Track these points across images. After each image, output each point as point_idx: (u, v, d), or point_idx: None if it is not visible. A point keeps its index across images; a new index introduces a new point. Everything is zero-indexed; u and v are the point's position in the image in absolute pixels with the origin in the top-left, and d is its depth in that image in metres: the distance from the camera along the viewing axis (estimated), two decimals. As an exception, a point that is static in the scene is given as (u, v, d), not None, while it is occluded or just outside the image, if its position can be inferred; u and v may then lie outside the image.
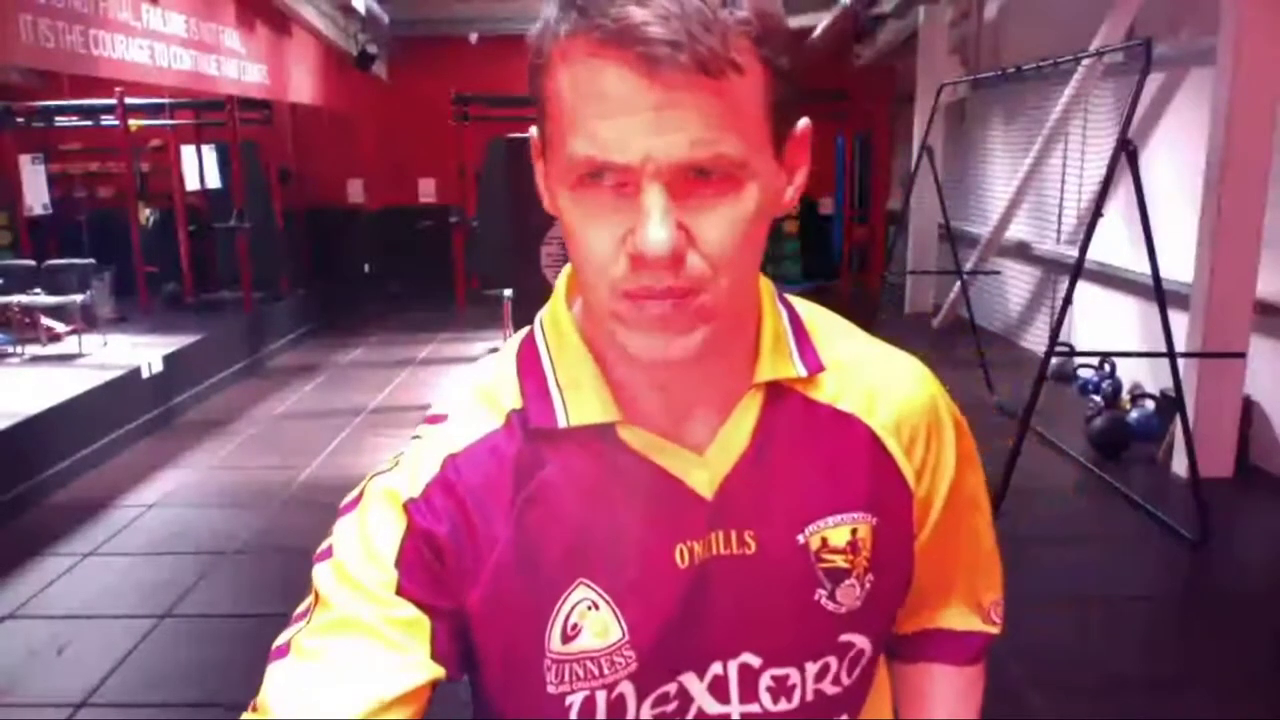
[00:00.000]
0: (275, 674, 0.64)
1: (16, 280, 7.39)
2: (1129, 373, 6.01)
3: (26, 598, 3.68)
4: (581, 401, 0.68)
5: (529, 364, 0.71)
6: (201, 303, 8.70)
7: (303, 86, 8.92)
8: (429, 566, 0.66)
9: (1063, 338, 4.90)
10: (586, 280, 0.62)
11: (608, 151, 0.56)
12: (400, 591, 0.65)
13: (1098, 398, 5.65)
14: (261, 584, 3.92)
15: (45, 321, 7.20)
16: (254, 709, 0.63)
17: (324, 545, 0.68)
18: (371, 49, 9.31)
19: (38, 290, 7.32)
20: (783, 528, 0.69)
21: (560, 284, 0.74)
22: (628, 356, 0.62)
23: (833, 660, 0.72)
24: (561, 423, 0.68)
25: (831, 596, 0.70)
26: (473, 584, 0.67)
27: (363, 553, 0.66)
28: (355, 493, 0.70)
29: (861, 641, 0.73)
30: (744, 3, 0.56)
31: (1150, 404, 5.40)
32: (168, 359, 6.18)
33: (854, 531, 0.70)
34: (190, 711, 2.94)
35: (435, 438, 0.70)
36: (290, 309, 8.89)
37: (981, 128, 8.71)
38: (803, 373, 0.71)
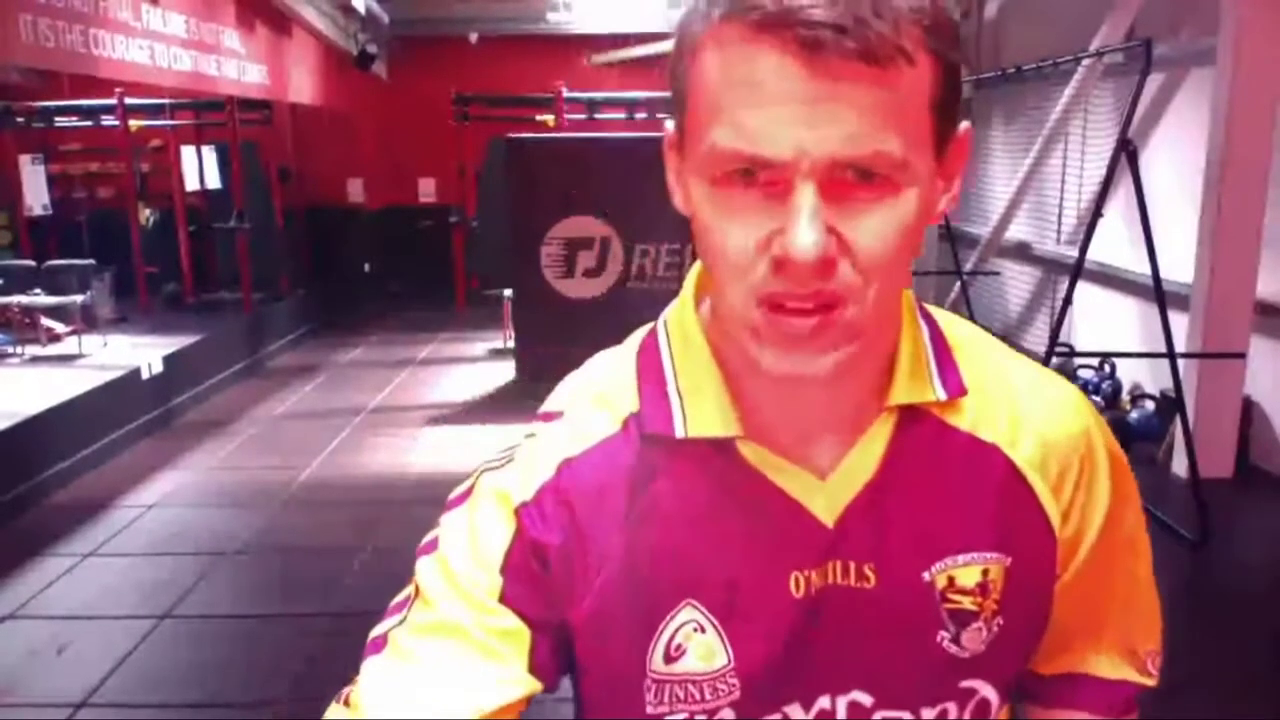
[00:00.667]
0: (371, 670, 0.63)
1: (16, 280, 7.41)
2: (1129, 373, 6.01)
3: (26, 598, 3.68)
4: (702, 411, 0.64)
5: (649, 365, 0.68)
6: (201, 303, 8.73)
7: (303, 86, 8.91)
8: (535, 576, 0.64)
9: (1063, 338, 4.90)
10: (721, 284, 0.58)
11: (756, 144, 0.52)
12: (504, 599, 0.63)
13: (1098, 398, 5.66)
14: (261, 584, 3.93)
15: (45, 322, 7.21)
16: (345, 702, 0.62)
17: (429, 537, 0.67)
18: (371, 49, 9.31)
19: (38, 290, 7.33)
20: (907, 563, 0.65)
21: (689, 283, 0.69)
22: (755, 367, 0.58)
23: (951, 707, 0.67)
24: (679, 432, 0.64)
25: (955, 640, 0.65)
26: (579, 597, 0.65)
27: (469, 553, 0.64)
28: (465, 486, 0.68)
29: (985, 689, 0.68)
30: None
31: (1150, 404, 5.41)
32: (168, 359, 6.17)
33: (985, 572, 0.65)
34: (190, 712, 2.94)
35: (550, 438, 0.67)
36: (290, 309, 8.89)
37: (981, 128, 8.69)
38: (942, 396, 0.65)
